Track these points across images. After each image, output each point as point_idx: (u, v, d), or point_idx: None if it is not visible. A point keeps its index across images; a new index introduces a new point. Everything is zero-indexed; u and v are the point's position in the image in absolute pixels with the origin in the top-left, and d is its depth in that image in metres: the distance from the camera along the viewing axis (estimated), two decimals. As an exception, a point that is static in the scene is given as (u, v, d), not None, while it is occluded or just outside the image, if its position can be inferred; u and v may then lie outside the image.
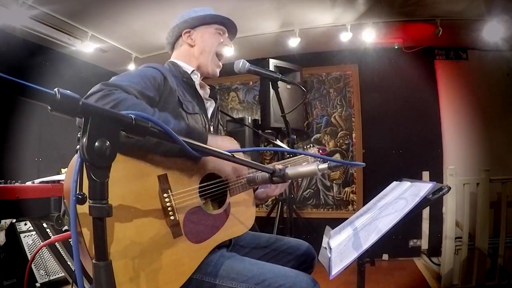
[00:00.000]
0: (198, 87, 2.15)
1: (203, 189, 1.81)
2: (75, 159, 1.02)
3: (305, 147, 2.86)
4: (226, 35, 2.30)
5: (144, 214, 1.51)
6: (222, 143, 1.85)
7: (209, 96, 2.28)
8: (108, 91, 1.51)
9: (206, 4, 2.28)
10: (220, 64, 2.27)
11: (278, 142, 3.11)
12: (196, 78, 2.15)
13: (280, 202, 4.97)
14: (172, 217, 1.59)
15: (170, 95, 1.90)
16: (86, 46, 5.25)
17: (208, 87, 2.27)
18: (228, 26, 2.30)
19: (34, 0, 4.09)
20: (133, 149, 1.51)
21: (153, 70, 1.91)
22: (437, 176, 4.91)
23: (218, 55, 2.24)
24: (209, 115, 2.20)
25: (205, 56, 2.18)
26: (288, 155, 2.65)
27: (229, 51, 5.10)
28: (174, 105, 1.90)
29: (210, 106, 2.25)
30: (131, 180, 1.50)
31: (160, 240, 1.54)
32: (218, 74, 2.27)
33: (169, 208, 1.59)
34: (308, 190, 6.17)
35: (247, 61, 2.49)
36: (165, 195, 1.59)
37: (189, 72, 2.13)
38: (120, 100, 1.48)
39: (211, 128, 2.19)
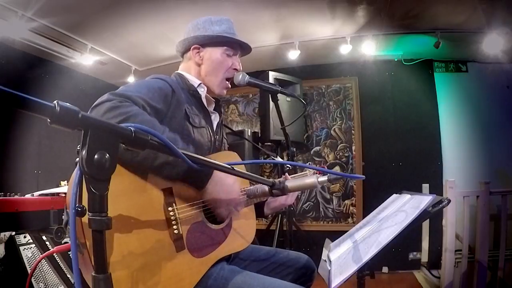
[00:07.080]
0: (204, 100, 2.14)
1: (206, 203, 1.80)
2: (75, 171, 1.01)
3: (309, 163, 2.85)
4: (238, 54, 2.25)
5: (148, 227, 1.50)
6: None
7: (213, 109, 2.26)
8: (119, 102, 1.51)
9: (207, 16, 2.23)
10: (229, 85, 2.24)
11: (278, 158, 3.10)
12: (203, 92, 2.13)
13: (280, 215, 4.94)
14: (176, 231, 1.58)
15: (177, 108, 1.89)
16: (86, 59, 5.26)
17: (213, 100, 2.24)
18: (240, 47, 2.25)
19: (34, 13, 4.09)
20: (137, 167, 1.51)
21: (161, 82, 1.91)
22: (436, 188, 4.91)
23: (228, 79, 2.21)
24: (214, 128, 2.20)
25: (211, 79, 2.15)
26: (287, 168, 2.64)
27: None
28: (180, 118, 1.90)
29: (215, 119, 2.24)
30: (136, 192, 1.50)
31: (163, 253, 1.53)
32: (224, 94, 2.25)
33: (173, 222, 1.58)
34: (308, 203, 6.15)
35: (246, 73, 2.48)
36: (169, 208, 1.59)
37: (196, 86, 2.11)
38: (130, 115, 1.47)
39: (216, 142, 2.19)
